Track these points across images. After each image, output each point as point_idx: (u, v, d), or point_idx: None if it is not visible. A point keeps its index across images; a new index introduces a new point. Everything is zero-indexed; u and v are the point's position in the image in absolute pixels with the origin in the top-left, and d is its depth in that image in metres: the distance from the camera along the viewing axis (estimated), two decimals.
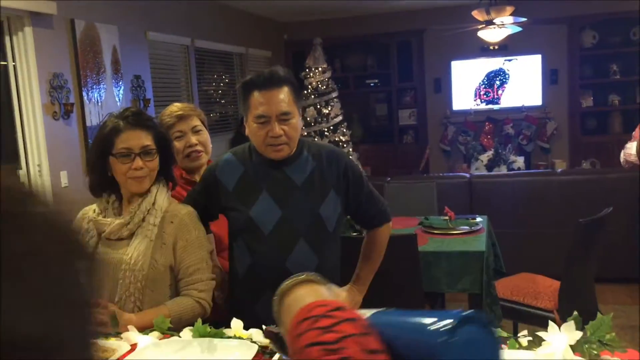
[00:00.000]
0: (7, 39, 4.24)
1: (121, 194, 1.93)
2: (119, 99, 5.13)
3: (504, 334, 1.51)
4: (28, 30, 4.28)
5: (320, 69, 8.07)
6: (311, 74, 8.07)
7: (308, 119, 8.28)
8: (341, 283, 2.21)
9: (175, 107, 2.33)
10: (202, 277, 1.90)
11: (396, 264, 3.04)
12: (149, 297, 1.84)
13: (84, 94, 4.73)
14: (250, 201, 1.98)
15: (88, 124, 4.73)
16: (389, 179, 5.13)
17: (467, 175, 5.47)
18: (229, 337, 1.63)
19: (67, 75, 4.60)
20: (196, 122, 2.28)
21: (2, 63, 4.27)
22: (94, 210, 1.94)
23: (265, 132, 1.92)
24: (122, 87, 5.19)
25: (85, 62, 4.77)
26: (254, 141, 1.99)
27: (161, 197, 1.91)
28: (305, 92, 8.19)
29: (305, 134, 8.21)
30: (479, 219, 3.85)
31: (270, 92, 1.92)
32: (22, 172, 4.31)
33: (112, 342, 1.62)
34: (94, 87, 4.85)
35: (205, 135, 2.31)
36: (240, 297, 2.04)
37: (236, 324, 1.69)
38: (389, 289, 3.05)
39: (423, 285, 3.17)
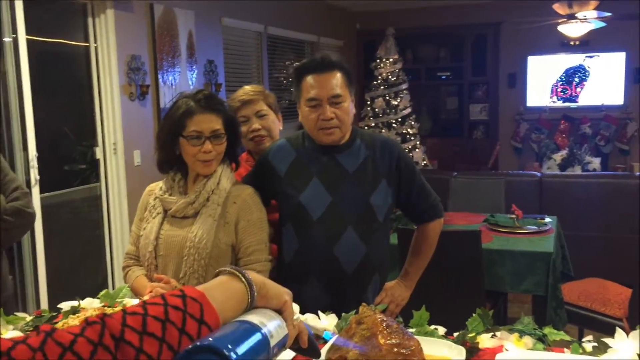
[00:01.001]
0: (89, 21, 4.40)
1: (187, 173, 1.97)
2: (192, 83, 5.25)
3: (567, 338, 1.46)
4: (110, 13, 4.43)
5: (391, 59, 8.00)
6: (381, 65, 8.02)
7: (376, 109, 8.24)
8: (393, 275, 2.19)
9: (242, 92, 2.35)
10: (260, 258, 1.92)
11: (458, 260, 3.00)
12: (212, 274, 1.87)
13: (159, 76, 4.87)
14: (300, 186, 1.99)
15: (162, 105, 4.87)
16: (455, 173, 5.04)
17: (538, 174, 5.30)
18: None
19: (144, 58, 4.74)
20: (261, 106, 2.30)
21: (84, 44, 4.44)
22: (161, 188, 2.00)
23: (316, 116, 1.92)
24: (196, 71, 5.30)
25: (161, 46, 4.90)
26: (305, 125, 2.00)
27: (225, 177, 1.95)
28: (375, 82, 8.16)
29: (373, 124, 8.18)
30: (547, 220, 3.73)
31: (322, 76, 1.92)
32: (99, 149, 4.49)
33: None
34: (169, 70, 4.98)
35: (270, 119, 2.32)
36: (286, 282, 2.05)
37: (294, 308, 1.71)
38: (450, 286, 3.01)
39: (485, 283, 3.10)
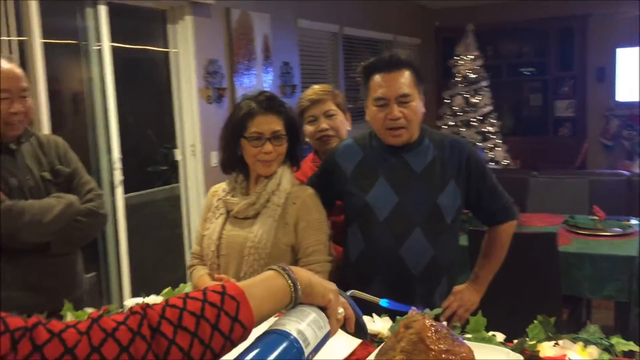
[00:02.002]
0: (169, 27, 4.57)
1: (249, 174, 2.01)
2: (268, 85, 5.34)
3: (636, 349, 1.37)
4: (188, 18, 4.58)
5: (470, 56, 7.82)
6: (460, 62, 7.85)
7: (455, 108, 8.08)
8: (464, 279, 2.13)
9: (311, 91, 2.37)
10: (320, 259, 1.93)
11: (533, 263, 2.88)
12: None
13: (236, 79, 4.99)
14: (367, 186, 1.97)
15: None
16: (535, 172, 4.85)
17: (627, 173, 5.01)
18: None
19: (221, 62, 4.87)
20: (330, 106, 2.30)
21: (164, 50, 4.61)
22: (224, 189, 2.04)
23: (384, 115, 1.90)
24: (271, 74, 5.39)
25: (238, 49, 5.02)
26: (373, 125, 1.97)
27: (286, 179, 1.97)
28: (454, 80, 7.99)
29: (452, 123, 8.02)
30: (633, 222, 3.52)
31: (390, 75, 1.90)
32: (178, 151, 4.66)
33: None
34: (245, 73, 5.09)
35: (339, 119, 2.32)
36: (350, 283, 2.04)
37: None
38: (524, 290, 2.90)
39: (562, 288, 2.96)
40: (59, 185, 2.09)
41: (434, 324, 1.29)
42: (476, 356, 1.40)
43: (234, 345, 0.85)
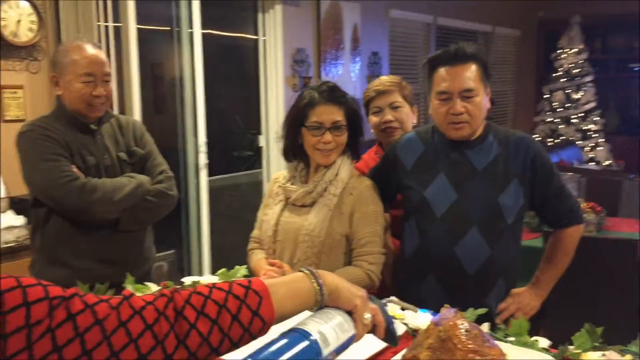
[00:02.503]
0: (259, 16, 4.68)
1: (309, 162, 2.03)
2: (355, 75, 5.35)
3: None
4: (278, 7, 4.67)
5: (575, 49, 7.44)
6: (564, 55, 7.48)
7: (554, 103, 7.72)
8: (523, 282, 2.05)
9: (378, 82, 2.35)
10: (373, 250, 1.92)
11: (611, 271, 2.72)
12: (324, 262, 1.93)
13: (322, 68, 5.03)
14: (426, 181, 1.94)
15: None
16: (633, 175, 4.56)
17: None
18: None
19: (308, 51, 4.93)
20: (396, 97, 2.28)
21: (253, 37, 4.73)
22: (284, 176, 2.08)
23: (446, 109, 1.85)
24: (359, 64, 5.39)
25: (326, 39, 5.05)
26: (435, 119, 1.93)
27: (344, 169, 1.97)
28: (555, 74, 7.63)
29: (550, 119, 7.68)
30: None
31: (455, 68, 1.84)
32: (262, 137, 4.77)
33: None
34: (332, 62, 5.12)
35: (404, 111, 2.29)
36: (405, 277, 2.02)
37: (393, 301, 1.69)
38: (599, 299, 2.75)
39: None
40: (133, 165, 2.21)
41: (465, 323, 1.26)
42: (510, 358, 1.36)
43: (252, 337, 0.89)
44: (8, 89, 3.29)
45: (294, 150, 2.05)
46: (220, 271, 1.97)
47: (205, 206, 4.29)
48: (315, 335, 0.93)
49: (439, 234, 1.89)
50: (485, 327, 1.49)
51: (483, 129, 1.92)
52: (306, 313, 0.99)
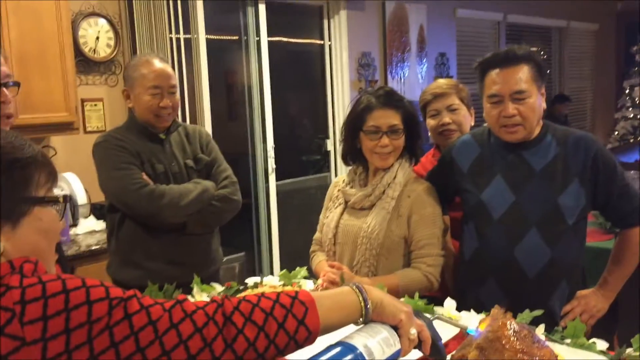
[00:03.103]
0: (325, 21, 4.75)
1: (368, 166, 2.07)
2: (422, 76, 5.33)
3: None
4: (343, 13, 4.73)
5: None
6: None
7: (636, 98, 7.39)
8: (590, 283, 2.00)
9: (435, 85, 2.35)
10: (432, 252, 1.93)
11: None
12: (383, 264, 1.96)
13: (389, 71, 5.04)
14: (483, 184, 1.92)
15: None
16: None
17: None
18: (437, 315, 1.65)
19: (374, 54, 4.96)
20: (453, 100, 2.28)
21: (319, 42, 4.80)
22: (344, 180, 2.12)
23: (498, 112, 1.83)
24: (426, 65, 5.36)
25: (391, 41, 5.07)
26: (488, 122, 1.91)
27: (402, 172, 1.99)
28: (636, 69, 7.31)
29: (631, 115, 7.35)
30: None
31: (506, 71, 1.82)
32: (329, 141, 4.83)
33: None
34: (398, 65, 5.13)
35: (462, 114, 2.28)
36: (464, 280, 2.01)
37: (449, 303, 1.69)
38: None
39: None
40: (199, 171, 2.31)
41: (514, 323, 1.26)
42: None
43: (298, 345, 0.93)
44: (89, 102, 3.50)
45: (352, 154, 2.09)
46: (281, 272, 2.04)
47: (275, 209, 4.40)
48: (360, 349, 0.96)
49: (497, 237, 1.87)
50: (540, 328, 1.48)
51: (541, 129, 1.89)
52: (353, 327, 1.02)
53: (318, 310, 0.95)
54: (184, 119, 3.66)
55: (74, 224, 3.18)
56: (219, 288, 1.94)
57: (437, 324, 1.17)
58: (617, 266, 1.95)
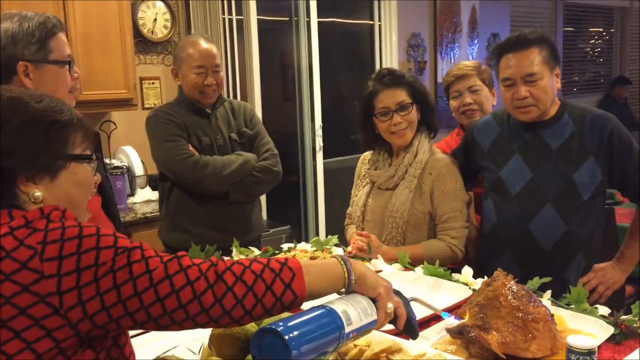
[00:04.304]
0: (375, 3, 4.82)
1: (391, 147, 2.17)
2: (472, 57, 5.33)
3: None
4: None
5: None
6: None
7: None
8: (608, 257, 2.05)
9: (457, 67, 2.45)
10: (455, 225, 2.02)
11: None
12: (410, 238, 2.06)
13: (438, 52, 5.07)
14: (501, 162, 2.00)
15: (439, 80, 5.07)
16: None
17: None
18: (455, 281, 1.76)
19: (424, 35, 5.00)
20: (475, 81, 2.36)
21: (368, 23, 4.88)
22: (369, 159, 2.23)
23: (511, 95, 1.91)
24: (477, 46, 5.36)
25: (442, 22, 5.09)
26: (504, 104, 1.99)
27: (422, 149, 2.09)
28: None
29: None
30: None
31: (517, 55, 1.89)
32: None
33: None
34: (449, 45, 5.15)
35: (483, 94, 2.37)
36: (483, 253, 2.10)
37: (466, 270, 1.79)
38: None
39: None
40: (243, 144, 2.47)
41: (513, 284, 1.36)
42: (568, 323, 1.44)
43: (285, 307, 1.02)
44: (147, 80, 3.73)
45: (373, 140, 2.19)
46: (313, 239, 2.18)
47: (321, 186, 4.55)
48: (339, 313, 1.06)
49: (514, 212, 1.96)
50: (547, 294, 1.57)
51: (558, 109, 1.96)
52: (336, 296, 1.12)
53: (305, 277, 1.03)
54: (235, 98, 3.83)
55: (132, 194, 3.41)
56: (256, 252, 2.10)
57: (414, 305, 1.26)
58: (633, 240, 2.00)
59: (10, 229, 0.94)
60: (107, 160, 3.36)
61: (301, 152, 4.57)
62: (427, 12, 5.03)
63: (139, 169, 3.46)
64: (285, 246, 2.16)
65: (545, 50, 1.90)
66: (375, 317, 1.12)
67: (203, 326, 1.00)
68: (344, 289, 1.11)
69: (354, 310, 1.08)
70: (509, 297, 1.32)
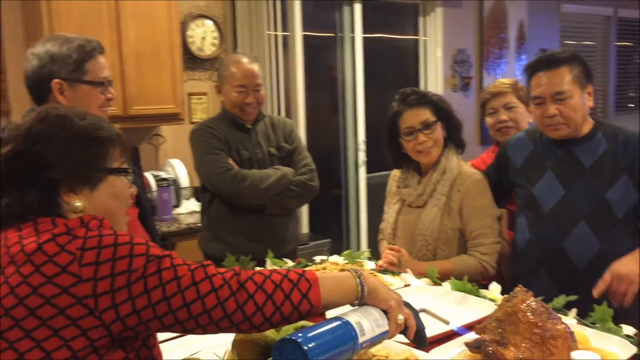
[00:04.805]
0: (420, 19, 4.86)
1: (419, 165, 2.19)
2: (520, 73, 5.28)
3: None
4: (439, 10, 4.81)
5: None
6: None
7: None
8: None
9: (493, 85, 2.47)
10: (485, 242, 2.03)
11: None
12: (440, 254, 2.08)
13: (484, 68, 5.06)
14: (534, 179, 2.01)
15: None
16: None
17: None
18: (482, 297, 1.76)
19: (469, 51, 5.00)
20: (511, 99, 2.37)
21: (413, 38, 4.91)
22: (399, 177, 2.26)
23: (541, 113, 1.93)
24: (524, 61, 5.30)
25: (488, 38, 5.07)
26: (536, 122, 2.01)
27: (450, 166, 2.10)
28: None
29: None
30: None
31: (547, 73, 1.90)
32: None
33: (390, 278, 1.95)
34: (495, 61, 5.12)
35: (519, 112, 2.37)
36: (517, 271, 2.09)
37: (493, 287, 1.80)
38: None
39: None
40: (281, 159, 2.55)
41: (532, 300, 1.37)
42: (592, 342, 1.44)
43: (301, 316, 1.09)
44: (195, 96, 3.86)
45: (400, 159, 2.22)
46: (346, 252, 2.22)
47: (364, 200, 4.59)
48: (354, 324, 1.12)
49: (547, 229, 1.95)
50: (572, 312, 1.57)
51: (592, 127, 1.95)
52: (350, 307, 1.17)
53: (320, 288, 1.10)
54: (279, 113, 3.92)
55: (177, 205, 3.54)
56: (290, 263, 2.16)
57: (423, 317, 1.29)
58: None
59: (52, 236, 1.02)
60: (154, 172, 3.50)
61: (344, 166, 4.62)
62: (473, 27, 5.03)
63: (184, 181, 3.59)
64: (317, 258, 2.21)
65: (576, 68, 1.91)
66: (386, 328, 1.17)
67: (225, 331, 1.07)
68: (357, 301, 1.17)
69: (367, 322, 1.14)
70: (528, 313, 1.33)
